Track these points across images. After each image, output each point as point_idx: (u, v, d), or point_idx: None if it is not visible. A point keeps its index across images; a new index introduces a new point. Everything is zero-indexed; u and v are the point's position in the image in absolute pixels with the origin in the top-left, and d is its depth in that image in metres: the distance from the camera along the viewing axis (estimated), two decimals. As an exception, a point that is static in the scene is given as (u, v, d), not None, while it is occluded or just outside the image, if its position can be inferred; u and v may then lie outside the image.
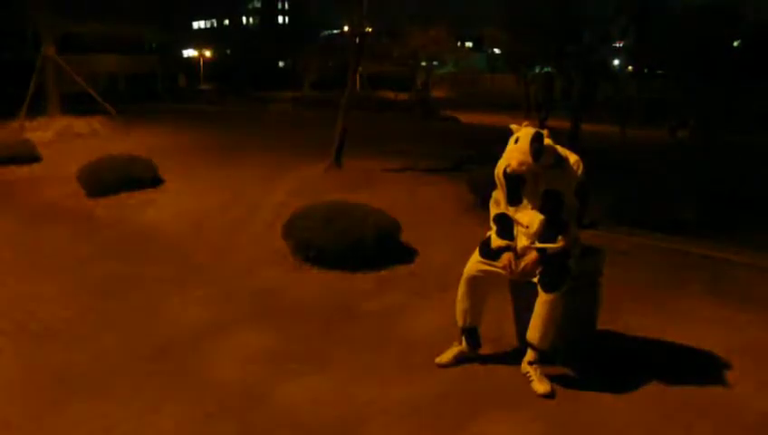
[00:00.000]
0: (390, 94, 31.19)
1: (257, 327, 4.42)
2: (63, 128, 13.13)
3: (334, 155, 8.80)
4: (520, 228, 3.67)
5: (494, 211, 3.79)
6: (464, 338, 3.89)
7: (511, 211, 3.71)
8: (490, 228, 3.81)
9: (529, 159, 3.42)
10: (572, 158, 3.61)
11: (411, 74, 31.72)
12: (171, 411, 3.41)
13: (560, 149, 3.62)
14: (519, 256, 3.65)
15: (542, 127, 3.73)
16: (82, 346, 4.13)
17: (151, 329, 4.40)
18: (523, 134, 3.48)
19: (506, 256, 3.65)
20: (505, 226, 3.72)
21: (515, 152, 3.46)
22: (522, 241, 3.66)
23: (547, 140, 3.50)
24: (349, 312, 4.73)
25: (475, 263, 3.75)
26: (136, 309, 4.75)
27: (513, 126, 3.58)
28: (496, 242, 3.71)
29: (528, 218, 3.63)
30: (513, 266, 3.63)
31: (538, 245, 3.56)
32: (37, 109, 14.10)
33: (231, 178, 8.54)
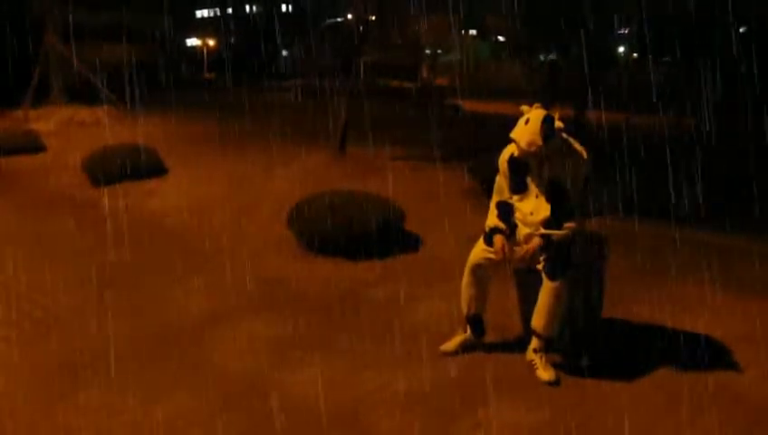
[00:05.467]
0: (394, 82, 31.04)
1: (262, 316, 4.42)
2: (67, 117, 13.14)
3: (338, 144, 8.79)
4: (522, 216, 3.66)
5: (496, 198, 3.79)
6: (468, 326, 3.89)
7: (514, 199, 3.70)
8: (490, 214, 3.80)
9: (539, 140, 3.41)
10: (578, 146, 3.60)
11: (415, 62, 31.57)
12: (176, 400, 3.42)
13: (565, 136, 3.60)
14: (521, 243, 3.64)
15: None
16: (87, 335, 4.14)
17: (156, 318, 4.41)
18: (533, 115, 3.47)
19: (498, 240, 3.65)
20: (505, 213, 3.71)
21: (525, 132, 3.44)
22: (523, 230, 3.65)
23: (557, 123, 3.49)
24: (353, 300, 4.73)
25: (479, 251, 3.74)
26: (140, 298, 4.76)
27: (524, 107, 3.57)
28: (493, 221, 3.70)
29: (531, 206, 3.62)
30: (507, 251, 3.62)
31: (543, 231, 3.55)
32: (41, 98, 14.10)
33: (235, 167, 8.54)
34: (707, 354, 3.83)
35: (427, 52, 31.75)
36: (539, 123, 3.42)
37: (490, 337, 3.95)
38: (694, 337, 4.04)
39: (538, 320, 3.60)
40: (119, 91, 14.95)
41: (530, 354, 3.67)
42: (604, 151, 6.47)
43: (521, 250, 3.62)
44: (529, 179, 3.64)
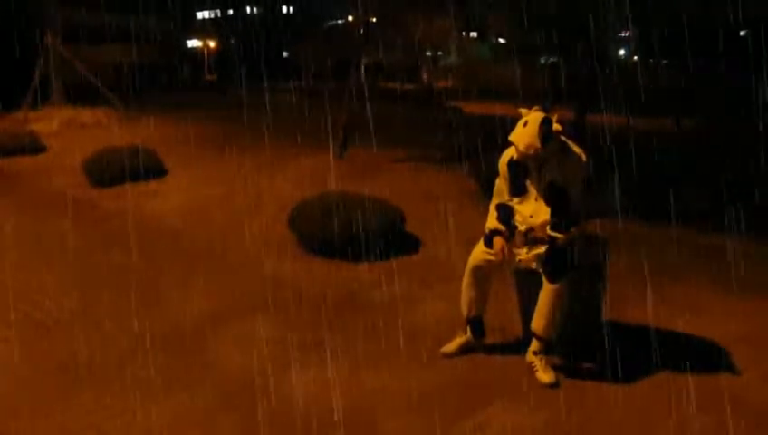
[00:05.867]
0: (395, 84, 31.04)
1: (261, 317, 4.42)
2: (68, 118, 13.15)
3: (338, 145, 8.80)
4: (522, 219, 3.66)
5: (495, 200, 3.79)
6: (468, 328, 3.89)
7: (514, 202, 3.71)
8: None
9: (537, 143, 3.41)
10: (577, 148, 3.61)
11: (415, 64, 31.57)
12: (175, 401, 3.41)
13: (564, 139, 3.61)
14: (524, 243, 3.64)
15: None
16: (87, 336, 4.13)
17: (155, 319, 4.41)
18: (532, 118, 3.47)
19: (498, 242, 3.65)
20: (504, 215, 3.71)
21: (524, 135, 3.45)
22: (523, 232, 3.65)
23: (556, 126, 3.49)
24: (353, 302, 4.73)
25: (480, 252, 3.74)
26: (140, 299, 4.75)
27: (523, 110, 3.57)
28: (492, 223, 3.70)
29: (531, 208, 3.62)
30: (506, 252, 3.62)
31: (549, 232, 3.55)
32: (42, 99, 14.10)
33: (235, 168, 8.54)
34: (707, 355, 3.84)
35: (428, 54, 31.74)
36: (537, 126, 3.42)
37: (490, 339, 3.95)
38: (693, 338, 4.04)
39: (538, 322, 3.60)
40: (119, 93, 14.96)
41: (530, 356, 3.66)
42: (604, 153, 6.46)
43: (523, 253, 3.61)
44: (528, 182, 3.64)
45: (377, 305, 4.66)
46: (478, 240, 3.79)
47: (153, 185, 8.21)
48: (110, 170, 8.23)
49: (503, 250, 3.63)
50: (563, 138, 3.58)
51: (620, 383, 3.53)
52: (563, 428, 3.18)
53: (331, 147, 8.95)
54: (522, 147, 3.45)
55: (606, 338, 3.93)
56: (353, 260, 5.42)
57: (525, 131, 3.45)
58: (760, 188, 7.00)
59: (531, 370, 3.62)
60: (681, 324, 4.19)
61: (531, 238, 3.62)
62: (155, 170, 8.57)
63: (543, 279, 3.55)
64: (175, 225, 6.77)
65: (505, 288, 4.00)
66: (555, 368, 3.62)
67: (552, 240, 3.53)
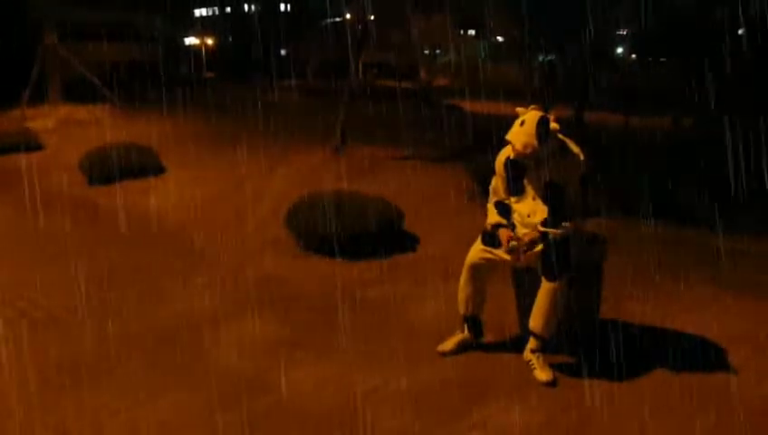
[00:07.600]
0: (392, 83, 31.01)
1: (260, 315, 4.42)
2: (65, 116, 13.11)
3: (336, 143, 8.79)
4: (521, 218, 3.66)
5: (493, 199, 3.79)
6: (466, 326, 3.89)
7: (511, 201, 3.71)
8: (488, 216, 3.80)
9: (534, 142, 3.41)
10: (575, 148, 3.61)
11: (413, 63, 31.55)
12: (173, 400, 3.41)
13: (562, 137, 3.61)
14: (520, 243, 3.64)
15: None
16: (84, 334, 4.13)
17: (153, 317, 4.41)
18: (529, 117, 3.46)
19: (504, 232, 3.64)
20: (504, 211, 3.72)
21: (521, 134, 3.44)
22: (522, 231, 3.65)
23: (553, 124, 3.49)
24: (351, 300, 4.72)
25: (477, 251, 3.74)
26: (138, 297, 4.75)
27: (520, 109, 3.56)
28: (494, 218, 3.70)
29: (529, 208, 3.62)
30: (513, 243, 3.60)
31: (541, 228, 3.55)
32: (39, 97, 14.08)
33: (233, 166, 8.52)
34: (705, 355, 3.84)
35: (426, 52, 31.72)
36: (534, 125, 3.42)
37: (488, 337, 3.95)
38: (692, 337, 4.04)
39: (536, 320, 3.60)
40: (117, 90, 14.92)
41: (527, 355, 3.67)
42: (601, 151, 6.47)
43: (522, 240, 3.59)
44: (526, 181, 3.64)
45: (374, 304, 4.66)
46: (476, 238, 3.79)
47: (151, 182, 8.20)
48: (108, 168, 8.22)
49: (509, 241, 3.60)
50: (561, 136, 3.58)
51: (618, 381, 3.53)
52: (561, 426, 3.18)
53: (329, 145, 8.95)
54: (519, 146, 3.45)
55: (604, 336, 3.94)
56: (351, 258, 5.42)
57: (522, 130, 3.45)
58: (758, 187, 7.01)
59: (528, 368, 3.62)
60: (680, 323, 4.20)
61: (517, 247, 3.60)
62: (152, 168, 8.56)
63: (541, 277, 3.56)
64: (172, 222, 6.76)
65: (503, 286, 3.99)
66: (553, 366, 3.62)
67: (544, 236, 3.53)
